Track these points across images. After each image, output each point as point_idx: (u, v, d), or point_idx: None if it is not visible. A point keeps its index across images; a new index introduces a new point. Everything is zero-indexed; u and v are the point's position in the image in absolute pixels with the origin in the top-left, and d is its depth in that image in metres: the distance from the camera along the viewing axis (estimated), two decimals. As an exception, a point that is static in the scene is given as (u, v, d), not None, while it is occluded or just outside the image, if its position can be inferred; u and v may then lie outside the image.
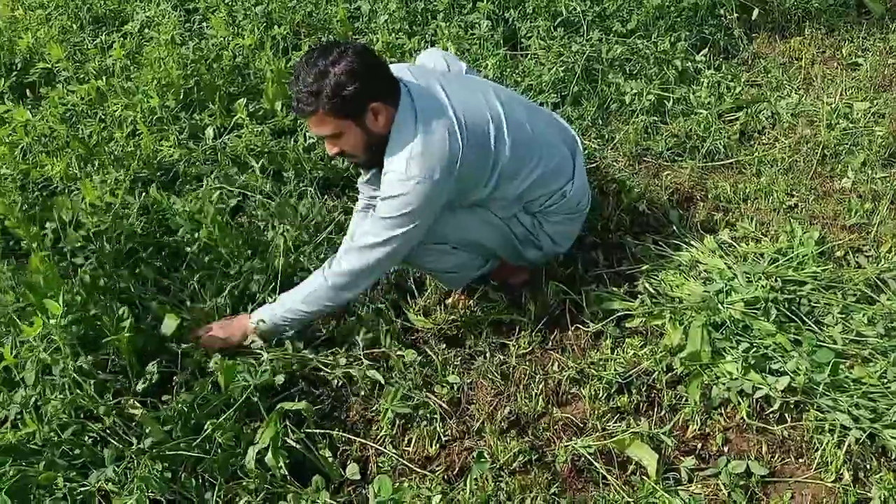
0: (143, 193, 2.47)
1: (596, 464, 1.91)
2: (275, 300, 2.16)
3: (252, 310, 2.20)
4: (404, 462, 1.94)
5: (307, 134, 2.95)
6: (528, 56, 3.47)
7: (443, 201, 2.03)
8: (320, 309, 2.12)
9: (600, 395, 2.08)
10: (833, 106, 3.22)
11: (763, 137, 3.15)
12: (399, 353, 2.17)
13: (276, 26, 3.45)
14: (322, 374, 2.12)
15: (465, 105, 2.05)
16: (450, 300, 2.41)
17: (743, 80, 3.48)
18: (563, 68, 3.27)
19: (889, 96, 3.31)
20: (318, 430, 1.99)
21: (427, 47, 3.27)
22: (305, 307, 2.10)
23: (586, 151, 2.99)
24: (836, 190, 2.82)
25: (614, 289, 2.37)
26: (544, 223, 2.31)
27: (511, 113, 2.14)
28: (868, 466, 1.89)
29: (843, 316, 2.21)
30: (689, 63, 3.50)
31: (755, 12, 3.89)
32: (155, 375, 1.96)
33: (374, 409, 2.07)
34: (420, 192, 1.95)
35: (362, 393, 2.09)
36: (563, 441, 1.99)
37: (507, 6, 3.64)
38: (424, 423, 2.03)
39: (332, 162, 2.84)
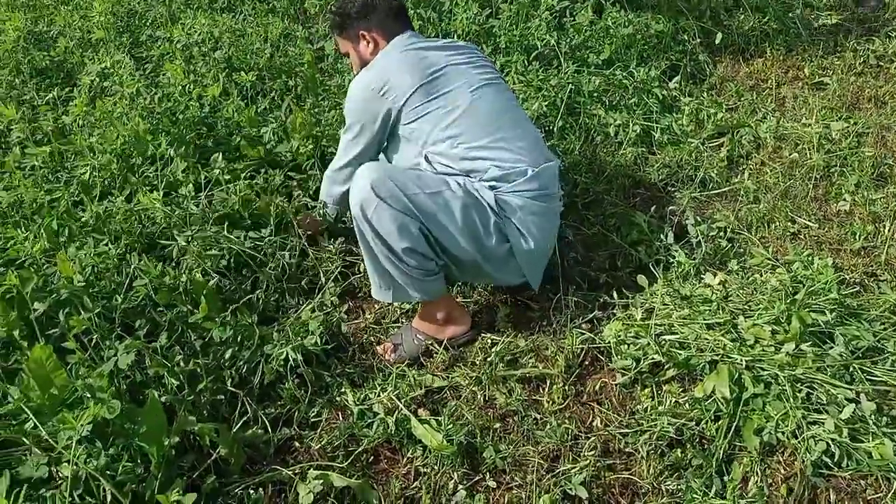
0: (127, 263, 2.25)
1: (662, 527, 1.80)
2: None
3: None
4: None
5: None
6: (506, 91, 3.37)
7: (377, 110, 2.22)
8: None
9: (654, 451, 1.96)
10: (812, 128, 3.24)
11: (749, 162, 3.13)
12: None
13: (240, 72, 3.27)
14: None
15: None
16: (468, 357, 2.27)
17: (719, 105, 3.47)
18: (546, 103, 3.19)
19: (863, 115, 3.35)
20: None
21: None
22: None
23: (578, 188, 2.91)
24: (835, 213, 2.81)
25: (641, 333, 2.26)
26: (507, 208, 2.13)
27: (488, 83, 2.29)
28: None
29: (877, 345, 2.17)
30: (665, 91, 3.48)
31: (718, 36, 3.91)
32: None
33: (414, 487, 1.91)
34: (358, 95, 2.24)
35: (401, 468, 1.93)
36: (621, 505, 1.86)
37: (479, 42, 3.54)
38: (475, 493, 1.88)
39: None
